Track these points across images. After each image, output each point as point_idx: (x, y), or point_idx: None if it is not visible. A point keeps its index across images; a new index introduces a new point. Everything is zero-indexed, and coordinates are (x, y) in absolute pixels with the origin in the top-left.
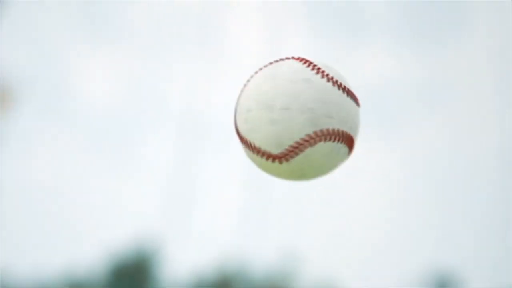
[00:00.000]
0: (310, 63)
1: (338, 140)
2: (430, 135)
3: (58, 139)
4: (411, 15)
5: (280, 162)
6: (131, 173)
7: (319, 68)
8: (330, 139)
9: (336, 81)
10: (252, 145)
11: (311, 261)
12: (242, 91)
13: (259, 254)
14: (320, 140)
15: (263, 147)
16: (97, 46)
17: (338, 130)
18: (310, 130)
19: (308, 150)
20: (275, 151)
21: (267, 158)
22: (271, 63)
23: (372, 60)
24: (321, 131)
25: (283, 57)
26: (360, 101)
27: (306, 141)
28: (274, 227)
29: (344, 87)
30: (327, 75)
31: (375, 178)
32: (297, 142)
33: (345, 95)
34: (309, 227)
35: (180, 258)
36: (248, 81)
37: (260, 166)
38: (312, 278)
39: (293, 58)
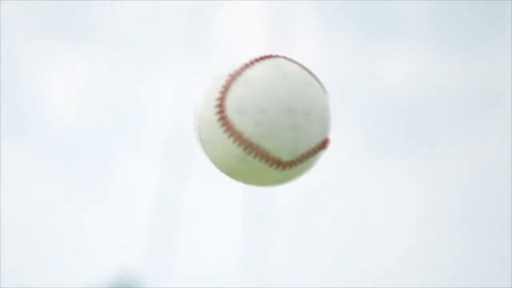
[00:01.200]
0: (291, 59)
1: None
2: (476, 155)
3: (20, 161)
4: (453, 9)
5: (283, 169)
6: (108, 199)
7: (303, 65)
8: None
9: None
10: (259, 149)
11: None
12: (230, 84)
13: None
14: (322, 149)
15: (274, 154)
16: (67, 46)
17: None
18: (322, 138)
19: (312, 158)
20: (285, 158)
21: (271, 164)
22: (262, 58)
23: (403, 64)
24: (327, 139)
25: (267, 53)
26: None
27: (315, 149)
28: (276, 266)
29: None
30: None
31: (413, 208)
32: (308, 151)
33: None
34: (322, 264)
35: None
36: (238, 74)
37: (251, 170)
38: None
39: (278, 56)
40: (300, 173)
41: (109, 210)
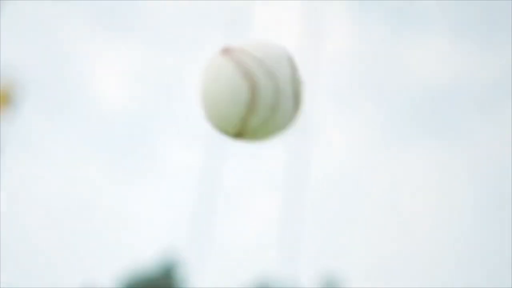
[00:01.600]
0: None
1: None
2: (497, 141)
3: (68, 142)
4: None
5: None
6: (151, 179)
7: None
8: None
9: None
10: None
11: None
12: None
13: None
14: None
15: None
16: (110, 38)
17: None
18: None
19: None
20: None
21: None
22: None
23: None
24: None
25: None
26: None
27: None
28: (314, 244)
29: None
30: None
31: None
32: None
33: None
34: (356, 246)
35: (208, 276)
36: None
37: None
38: None
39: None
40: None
41: (153, 189)
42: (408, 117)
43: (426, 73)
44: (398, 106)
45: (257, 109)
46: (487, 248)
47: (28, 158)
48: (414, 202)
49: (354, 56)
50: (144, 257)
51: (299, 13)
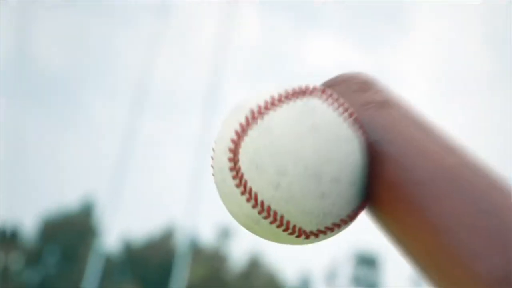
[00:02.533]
0: (336, 100)
1: None
2: None
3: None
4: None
5: (307, 238)
6: (79, 130)
7: (347, 109)
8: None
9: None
10: (277, 215)
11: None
12: (248, 124)
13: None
14: (353, 219)
15: (296, 222)
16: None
17: None
18: (356, 204)
19: (340, 229)
20: (309, 229)
21: (292, 233)
22: (295, 94)
23: None
24: (358, 208)
25: (302, 86)
26: None
27: (350, 217)
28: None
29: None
30: (354, 117)
31: None
32: (335, 223)
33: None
34: None
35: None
36: (260, 114)
37: (267, 234)
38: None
39: (316, 90)
40: (326, 239)
41: (80, 138)
42: None
43: (317, 62)
44: None
45: None
46: None
47: None
48: None
49: (259, 47)
50: (68, 199)
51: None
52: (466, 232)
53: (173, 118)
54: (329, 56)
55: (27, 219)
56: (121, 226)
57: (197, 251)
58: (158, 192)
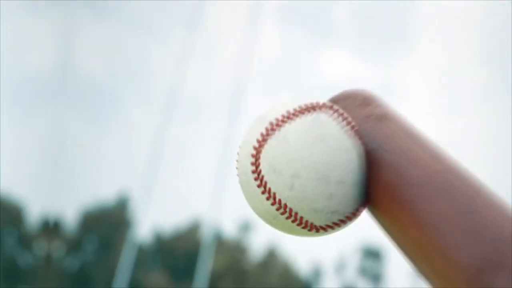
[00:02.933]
0: (341, 114)
1: None
2: None
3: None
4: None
5: (317, 232)
6: (117, 132)
7: (349, 122)
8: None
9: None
10: (292, 212)
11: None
12: (268, 135)
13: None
14: (356, 216)
15: (308, 218)
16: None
17: None
18: (359, 204)
19: (346, 224)
20: (319, 223)
21: (305, 227)
22: (307, 108)
23: None
24: (360, 206)
25: (313, 102)
26: None
27: (354, 214)
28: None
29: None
30: (356, 130)
31: None
32: (341, 220)
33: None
34: None
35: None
36: (277, 126)
37: (284, 227)
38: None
39: (324, 106)
40: (334, 233)
41: (117, 139)
42: None
43: (330, 75)
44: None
45: None
46: None
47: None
48: None
49: (279, 60)
50: (105, 193)
51: (242, 25)
52: (450, 228)
53: (200, 123)
54: (342, 69)
55: (69, 211)
56: (153, 219)
57: (220, 243)
58: (186, 189)
